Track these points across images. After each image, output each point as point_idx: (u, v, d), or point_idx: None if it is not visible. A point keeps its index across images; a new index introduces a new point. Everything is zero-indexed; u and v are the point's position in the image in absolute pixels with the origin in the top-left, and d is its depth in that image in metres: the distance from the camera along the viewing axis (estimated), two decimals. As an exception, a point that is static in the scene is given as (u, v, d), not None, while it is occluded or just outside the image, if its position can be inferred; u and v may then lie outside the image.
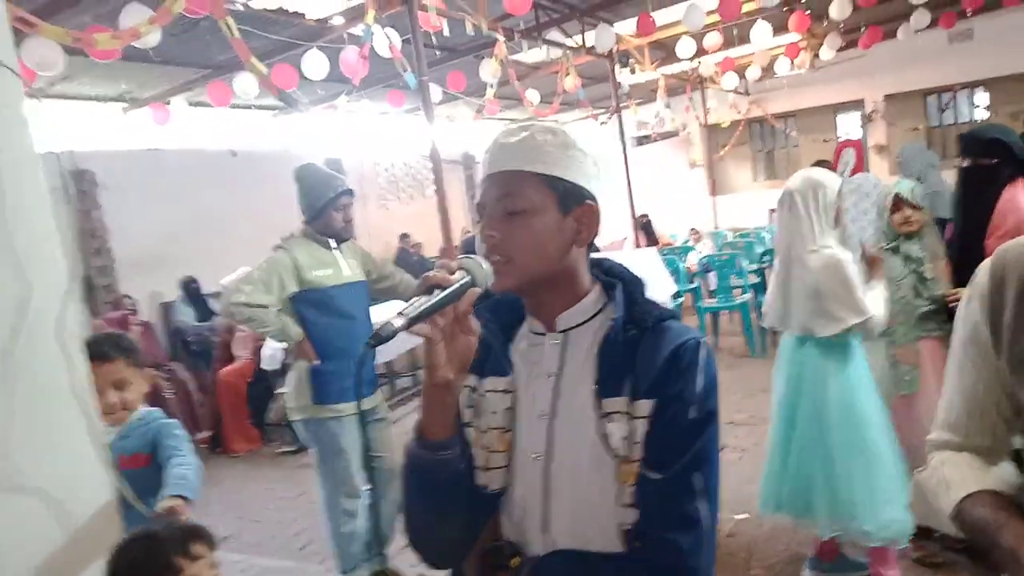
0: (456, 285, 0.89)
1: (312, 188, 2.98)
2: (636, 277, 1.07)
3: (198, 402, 6.46)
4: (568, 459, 1.00)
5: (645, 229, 9.78)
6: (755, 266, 7.32)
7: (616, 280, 1.07)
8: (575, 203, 1.02)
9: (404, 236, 10.77)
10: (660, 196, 12.13)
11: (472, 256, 0.94)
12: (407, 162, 11.61)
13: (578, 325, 1.05)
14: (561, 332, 1.05)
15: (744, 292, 6.92)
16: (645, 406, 0.96)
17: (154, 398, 5.64)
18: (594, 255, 1.12)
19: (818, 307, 2.47)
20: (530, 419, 1.04)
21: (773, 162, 14.87)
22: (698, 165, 13.98)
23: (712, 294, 7.65)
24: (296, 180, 3.01)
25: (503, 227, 0.99)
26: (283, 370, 5.96)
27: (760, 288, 6.99)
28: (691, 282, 7.78)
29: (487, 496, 1.04)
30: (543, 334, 1.07)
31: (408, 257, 10.42)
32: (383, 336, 0.81)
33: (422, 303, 0.86)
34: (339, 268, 3.01)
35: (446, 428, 0.96)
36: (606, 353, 1.00)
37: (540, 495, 1.01)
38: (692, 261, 8.19)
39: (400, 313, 0.84)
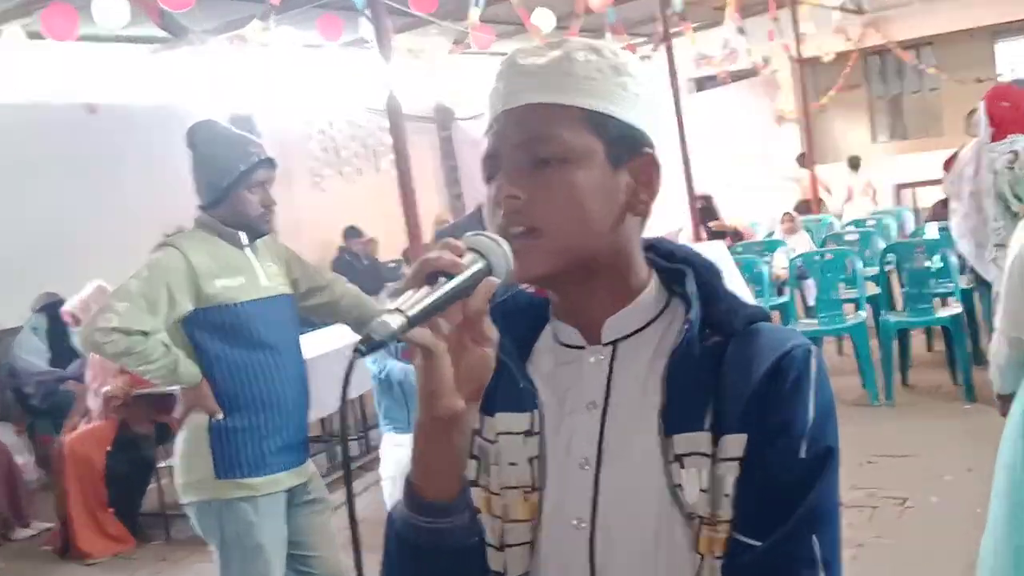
0: (467, 273, 0.89)
1: (214, 158, 3.02)
2: (710, 263, 1.11)
3: (35, 482, 6.44)
4: (623, 525, 1.03)
5: (705, 214, 9.81)
6: (874, 270, 7.38)
7: (683, 267, 1.09)
8: (631, 152, 1.04)
9: (350, 230, 10.81)
10: (730, 165, 12.22)
11: (484, 233, 0.95)
12: (353, 120, 11.70)
13: (632, 334, 1.07)
14: (608, 344, 1.08)
15: (859, 308, 6.97)
16: (735, 444, 0.98)
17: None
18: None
19: None
20: (566, 471, 1.06)
21: (901, 114, 15.00)
22: (788, 119, 14.08)
23: (810, 312, 7.69)
24: (189, 146, 3.05)
25: (529, 184, 1.00)
26: (161, 432, 5.96)
27: (884, 302, 7.03)
28: (779, 294, 7.85)
29: None
30: (580, 348, 1.09)
31: (355, 261, 10.45)
32: (377, 341, 0.82)
33: (423, 296, 0.87)
34: (254, 275, 3.05)
35: (450, 484, 0.97)
36: (677, 371, 1.02)
37: None
38: (780, 263, 8.24)
39: (396, 309, 0.84)
